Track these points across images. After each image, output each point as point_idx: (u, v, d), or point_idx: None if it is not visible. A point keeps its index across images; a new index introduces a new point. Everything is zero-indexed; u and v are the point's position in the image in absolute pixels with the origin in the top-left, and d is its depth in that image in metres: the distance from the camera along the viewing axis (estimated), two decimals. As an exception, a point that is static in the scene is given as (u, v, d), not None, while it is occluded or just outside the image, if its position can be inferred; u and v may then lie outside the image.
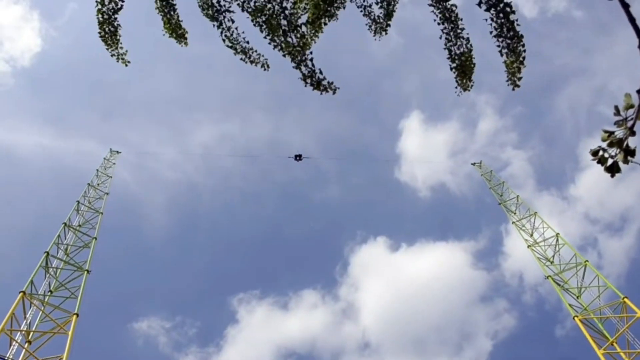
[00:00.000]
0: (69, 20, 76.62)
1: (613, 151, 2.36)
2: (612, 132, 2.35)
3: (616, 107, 2.31)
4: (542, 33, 74.21)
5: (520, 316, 62.81)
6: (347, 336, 62.59)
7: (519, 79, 7.60)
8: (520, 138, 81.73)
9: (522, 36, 7.16)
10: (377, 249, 72.25)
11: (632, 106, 2.28)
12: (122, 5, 7.88)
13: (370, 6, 9.44)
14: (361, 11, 9.64)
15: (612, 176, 2.38)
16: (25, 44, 73.53)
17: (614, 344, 23.66)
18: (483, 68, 8.73)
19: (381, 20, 9.33)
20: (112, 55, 8.24)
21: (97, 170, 36.27)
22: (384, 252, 72.11)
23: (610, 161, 2.37)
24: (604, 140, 2.36)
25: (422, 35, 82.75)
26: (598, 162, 2.37)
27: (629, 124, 2.28)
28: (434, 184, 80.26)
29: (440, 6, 8.16)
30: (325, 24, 7.64)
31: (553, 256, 30.56)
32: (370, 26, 9.68)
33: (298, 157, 45.05)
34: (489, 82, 75.46)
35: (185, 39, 8.26)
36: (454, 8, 8.10)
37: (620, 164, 2.34)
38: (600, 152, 2.38)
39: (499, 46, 7.42)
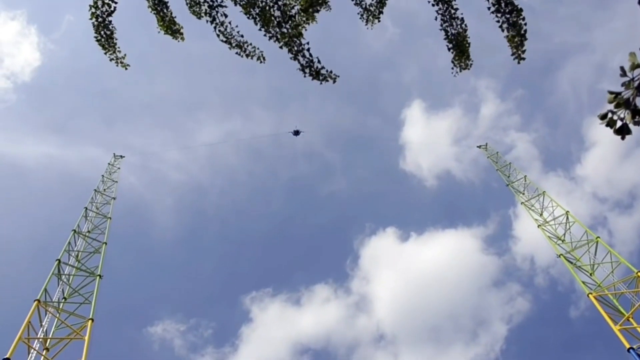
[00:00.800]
0: (65, 32, 76.72)
1: (621, 113, 2.29)
2: (619, 94, 2.28)
3: (622, 68, 2.24)
4: (538, 11, 73.37)
5: (534, 299, 62.65)
6: (362, 329, 62.70)
7: (523, 51, 7.51)
8: (524, 120, 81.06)
9: (521, 9, 7.06)
10: (387, 240, 72.16)
11: (638, 66, 2.21)
12: (115, 8, 7.81)
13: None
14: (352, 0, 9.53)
15: (623, 138, 2.31)
16: (25, 59, 73.68)
17: (630, 319, 23.52)
18: (482, 52, 8.67)
19: (373, 8, 9.22)
20: (111, 60, 8.15)
21: (103, 175, 36.41)
22: (393, 243, 72.03)
23: (619, 123, 2.30)
24: (610, 103, 2.29)
25: (418, 24, 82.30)
26: (607, 126, 2.30)
27: (636, 83, 2.21)
28: (439, 172, 79.87)
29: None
30: (317, 11, 7.54)
31: (564, 234, 30.39)
32: (362, 15, 9.56)
33: (296, 132, 52.88)
34: (489, 66, 74.95)
35: (181, 34, 8.18)
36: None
37: (631, 126, 2.28)
38: (609, 115, 2.31)
39: (498, 21, 7.33)
